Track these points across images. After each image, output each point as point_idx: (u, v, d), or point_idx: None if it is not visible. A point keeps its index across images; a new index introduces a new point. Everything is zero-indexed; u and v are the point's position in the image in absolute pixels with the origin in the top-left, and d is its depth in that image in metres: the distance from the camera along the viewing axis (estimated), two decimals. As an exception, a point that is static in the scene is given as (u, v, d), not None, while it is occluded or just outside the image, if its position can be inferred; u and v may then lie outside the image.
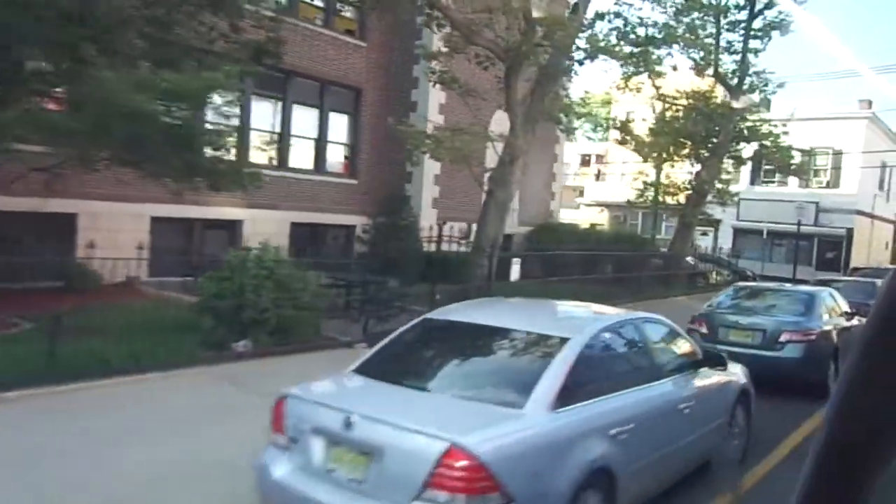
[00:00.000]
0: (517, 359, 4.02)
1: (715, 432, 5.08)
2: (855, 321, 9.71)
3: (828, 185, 30.82)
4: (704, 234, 36.54)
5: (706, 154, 21.52)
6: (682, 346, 5.06)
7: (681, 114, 23.21)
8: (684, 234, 21.56)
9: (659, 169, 23.27)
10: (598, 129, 50.73)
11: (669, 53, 13.49)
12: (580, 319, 4.61)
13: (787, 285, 10.46)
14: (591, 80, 65.23)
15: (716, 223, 35.50)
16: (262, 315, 8.39)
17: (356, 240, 18.16)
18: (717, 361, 5.05)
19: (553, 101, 13.12)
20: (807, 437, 7.20)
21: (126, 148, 7.84)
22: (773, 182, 32.50)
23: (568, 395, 3.59)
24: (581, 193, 42.83)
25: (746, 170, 32.29)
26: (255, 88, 15.98)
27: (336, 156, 18.62)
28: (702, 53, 17.59)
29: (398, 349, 4.24)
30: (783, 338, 7.99)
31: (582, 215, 39.90)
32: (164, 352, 7.76)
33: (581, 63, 13.99)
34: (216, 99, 7.99)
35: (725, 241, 34.52)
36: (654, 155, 23.73)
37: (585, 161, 45.42)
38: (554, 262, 17.98)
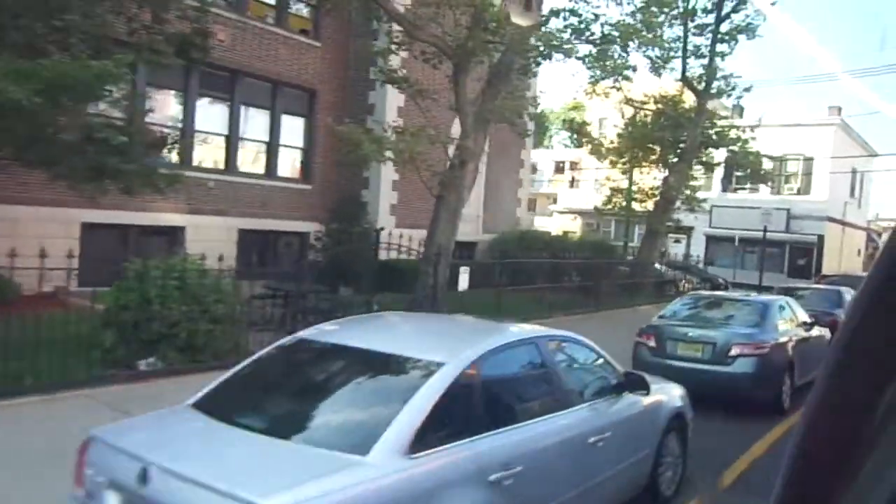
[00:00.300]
0: (379, 390, 3.34)
1: (638, 465, 4.45)
2: (815, 332, 9.19)
3: (799, 192, 30.65)
4: (677, 241, 36.28)
5: (673, 160, 21.09)
6: (599, 369, 4.43)
7: (649, 119, 22.84)
8: (651, 241, 21.08)
9: (628, 175, 22.83)
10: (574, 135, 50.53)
11: (627, 51, 12.94)
12: (466, 340, 3.89)
13: (743, 294, 9.92)
14: (564, 84, 65.13)
15: (688, 230, 35.25)
16: (171, 329, 7.65)
17: (310, 247, 17.43)
18: (638, 385, 4.41)
19: (506, 102, 12.50)
20: (756, 461, 6.61)
21: (15, 146, 7.06)
22: (745, 189, 32.29)
23: (432, 434, 2.93)
24: (555, 201, 42.45)
25: (718, 177, 32.14)
26: (200, 88, 15.28)
27: (289, 160, 17.89)
28: (659, 52, 17.14)
29: (249, 377, 3.55)
30: (734, 351, 7.42)
31: (555, 223, 39.49)
32: (57, 371, 7.00)
33: (537, 63, 13.44)
34: (114, 92, 7.25)
35: (698, 249, 34.26)
36: (623, 161, 23.32)
37: (560, 168, 45.07)
38: (513, 271, 17.39)
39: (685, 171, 20.73)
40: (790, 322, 8.63)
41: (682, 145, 21.25)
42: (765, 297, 9.00)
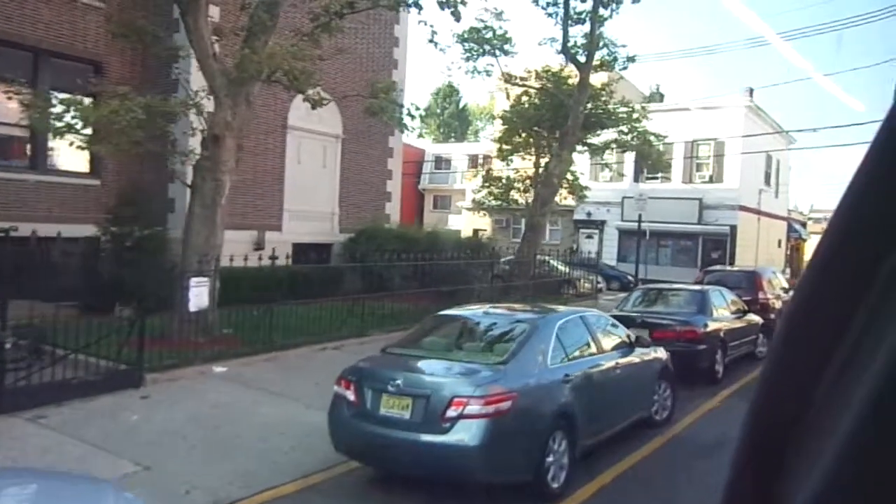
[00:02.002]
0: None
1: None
2: (635, 358, 6.41)
3: (711, 180, 28.57)
4: (589, 237, 33.95)
5: (554, 143, 18.45)
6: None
7: (537, 99, 20.21)
8: (532, 236, 18.38)
9: (506, 161, 20.10)
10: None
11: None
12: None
13: (525, 308, 6.97)
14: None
15: (600, 224, 32.99)
16: None
17: (98, 256, 14.05)
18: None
19: (287, 56, 9.38)
20: None
21: None
22: (657, 178, 30.08)
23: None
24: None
25: (630, 166, 29.86)
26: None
27: (68, 149, 14.47)
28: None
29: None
30: (450, 411, 4.51)
31: (465, 221, 36.74)
32: None
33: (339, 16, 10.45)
34: None
35: (611, 244, 31.98)
36: (506, 147, 20.61)
37: (474, 162, 42.35)
38: (340, 277, 14.44)
39: (567, 155, 18.07)
40: (585, 350, 5.81)
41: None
42: (548, 313, 6.10)
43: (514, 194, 20.28)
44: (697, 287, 10.93)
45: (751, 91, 28.60)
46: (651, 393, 6.88)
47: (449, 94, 56.37)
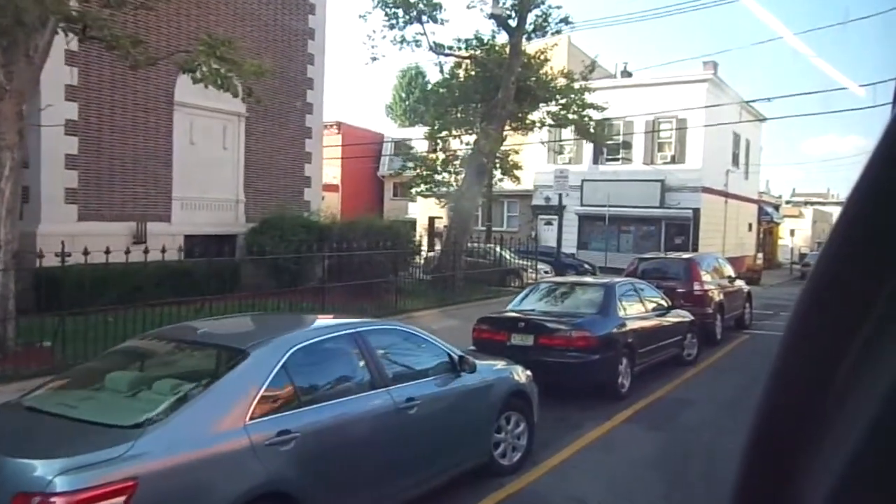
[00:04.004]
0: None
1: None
2: (459, 386, 4.55)
3: (673, 161, 26.74)
4: (549, 223, 32.11)
5: (482, 118, 16.53)
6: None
7: (472, 73, 18.26)
8: (461, 223, 16.47)
9: (435, 141, 18.17)
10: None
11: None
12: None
13: (221, 327, 4.87)
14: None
15: (559, 209, 31.14)
16: None
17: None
18: None
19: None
20: None
21: None
22: (618, 160, 28.27)
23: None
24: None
25: (588, 148, 27.96)
26: None
27: None
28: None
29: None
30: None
31: (420, 209, 34.85)
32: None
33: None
34: None
35: (571, 230, 30.15)
36: (435, 125, 18.69)
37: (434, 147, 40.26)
38: (236, 273, 12.49)
39: (497, 132, 16.16)
40: (348, 386, 3.91)
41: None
42: (297, 329, 4.10)
43: (447, 177, 18.37)
44: (604, 281, 9.08)
45: (715, 65, 26.74)
46: (486, 433, 5.04)
47: (415, 76, 54.19)
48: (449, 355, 4.86)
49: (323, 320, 5.07)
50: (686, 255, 13.35)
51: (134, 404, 3.25)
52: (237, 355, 3.57)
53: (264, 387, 3.46)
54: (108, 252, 8.55)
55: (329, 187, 34.04)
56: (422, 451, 4.33)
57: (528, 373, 5.71)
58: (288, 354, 3.66)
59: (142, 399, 3.29)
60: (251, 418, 3.33)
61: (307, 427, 3.54)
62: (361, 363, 4.13)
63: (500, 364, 5.62)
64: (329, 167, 35.15)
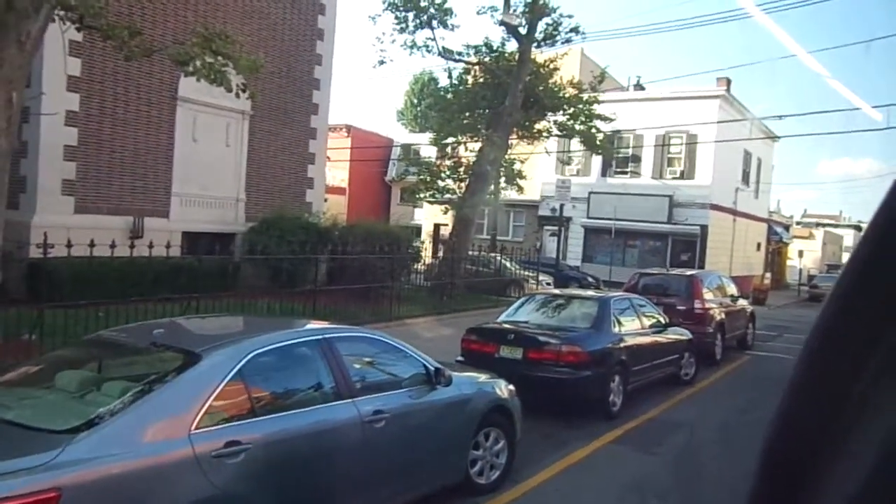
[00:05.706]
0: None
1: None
2: (428, 401, 4.32)
3: (682, 176, 26.43)
4: (553, 234, 31.80)
5: (488, 125, 16.33)
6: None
7: (481, 79, 18.09)
8: (462, 230, 16.25)
9: (440, 147, 17.98)
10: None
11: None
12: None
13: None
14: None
15: (560, 219, 30.86)
16: None
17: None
18: None
19: None
20: None
21: None
22: (626, 174, 27.99)
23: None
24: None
25: (597, 160, 27.66)
26: None
27: None
28: None
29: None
30: None
31: (426, 214, 34.61)
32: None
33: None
34: None
35: (577, 243, 29.87)
36: (441, 132, 18.51)
37: (442, 154, 40.08)
38: (234, 271, 12.32)
39: (503, 140, 15.96)
40: (316, 396, 3.69)
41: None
42: (251, 337, 3.88)
43: (451, 183, 18.17)
44: (600, 295, 8.83)
45: (728, 81, 26.47)
46: (462, 449, 4.79)
47: (427, 83, 54.13)
48: (425, 366, 4.63)
49: (290, 325, 4.86)
50: (688, 272, 13.08)
51: (75, 407, 3.04)
52: (189, 358, 3.35)
53: (215, 393, 3.25)
54: (92, 245, 8.36)
55: (336, 190, 33.93)
56: (389, 467, 4.09)
57: (511, 387, 5.47)
58: (245, 360, 3.44)
59: (85, 401, 3.09)
60: (197, 427, 3.12)
61: (260, 439, 3.33)
62: (326, 372, 3.91)
63: (482, 377, 5.38)
64: (337, 170, 35.08)
